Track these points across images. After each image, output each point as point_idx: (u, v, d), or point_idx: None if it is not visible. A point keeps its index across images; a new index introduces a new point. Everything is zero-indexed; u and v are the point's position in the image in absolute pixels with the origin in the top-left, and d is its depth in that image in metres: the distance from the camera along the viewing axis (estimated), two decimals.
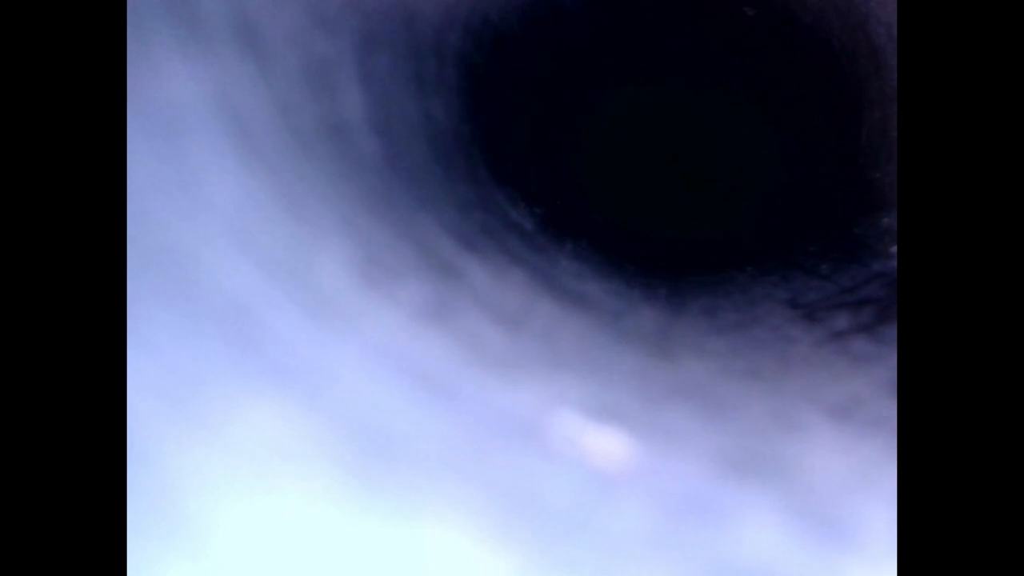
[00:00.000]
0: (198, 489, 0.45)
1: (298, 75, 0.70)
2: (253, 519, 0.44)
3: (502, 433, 0.51)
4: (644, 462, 0.56)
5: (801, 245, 1.60)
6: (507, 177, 1.40)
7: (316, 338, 0.47)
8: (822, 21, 2.01)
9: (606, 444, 0.55)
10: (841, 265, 1.37)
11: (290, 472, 0.47)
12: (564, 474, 0.50)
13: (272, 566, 0.43)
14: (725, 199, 1.97)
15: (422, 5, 1.20)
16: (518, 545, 0.41)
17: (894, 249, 1.35)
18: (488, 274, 0.84)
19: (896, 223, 1.44)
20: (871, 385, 0.82)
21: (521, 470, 0.48)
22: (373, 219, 0.66)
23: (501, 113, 1.63)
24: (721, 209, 1.93)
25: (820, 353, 0.94)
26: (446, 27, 1.30)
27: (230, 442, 0.46)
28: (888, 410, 0.75)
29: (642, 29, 2.09)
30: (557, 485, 0.49)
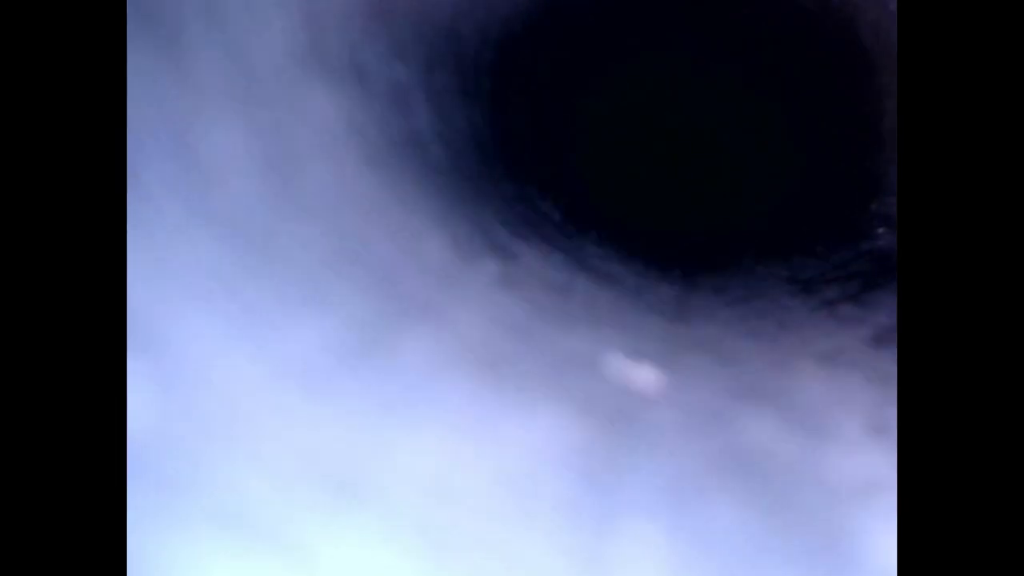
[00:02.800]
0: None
1: (385, 98, 0.88)
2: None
3: (569, 365, 0.69)
4: (672, 389, 0.74)
5: (800, 229, 1.77)
6: (535, 174, 1.57)
7: (437, 294, 0.64)
8: (825, 12, 2.14)
9: (644, 376, 0.73)
10: (834, 245, 1.54)
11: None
12: (615, 393, 0.68)
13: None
14: (732, 189, 2.14)
15: (460, 26, 1.37)
16: (590, 437, 0.59)
17: (881, 231, 1.52)
18: (535, 256, 1.02)
19: (883, 208, 1.61)
20: (853, 339, 0.99)
21: (585, 390, 0.66)
22: (456, 211, 0.84)
23: (524, 116, 1.80)
24: (728, 198, 2.10)
25: (812, 317, 1.11)
26: (481, 41, 1.47)
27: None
28: (865, 356, 0.92)
29: (649, 31, 2.26)
30: (610, 401, 0.67)
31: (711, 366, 0.84)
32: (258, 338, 0.52)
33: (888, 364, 0.93)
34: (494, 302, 0.67)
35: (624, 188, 2.09)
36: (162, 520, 0.48)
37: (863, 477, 0.59)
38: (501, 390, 0.55)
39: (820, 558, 0.48)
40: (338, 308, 0.53)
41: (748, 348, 0.96)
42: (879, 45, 2.05)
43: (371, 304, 0.56)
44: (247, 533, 0.45)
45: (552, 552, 0.42)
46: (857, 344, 0.99)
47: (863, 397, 0.82)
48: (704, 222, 1.99)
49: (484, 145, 1.33)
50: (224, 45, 0.57)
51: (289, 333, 0.51)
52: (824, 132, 2.07)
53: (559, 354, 0.68)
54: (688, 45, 2.30)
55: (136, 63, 0.59)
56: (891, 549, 0.50)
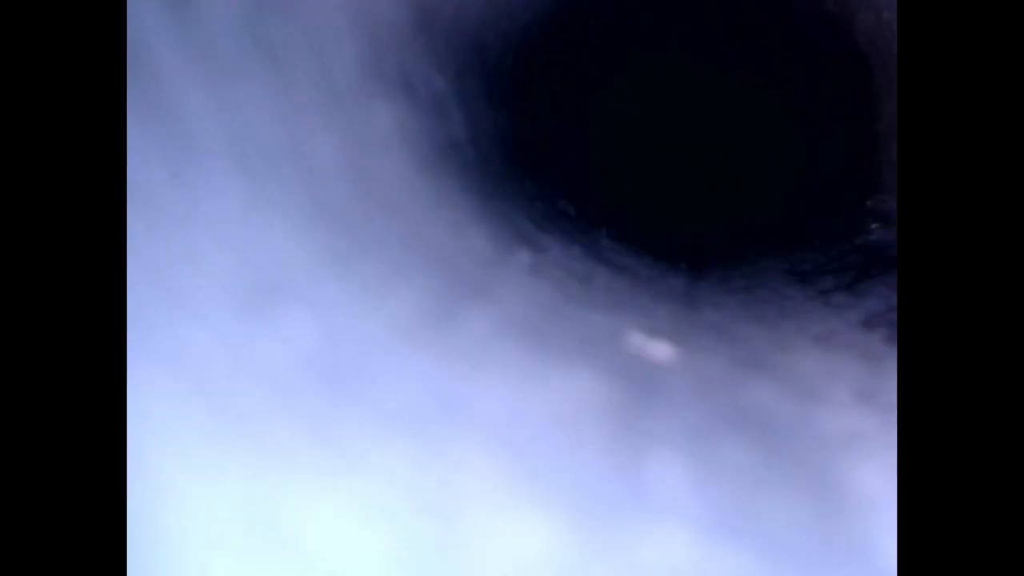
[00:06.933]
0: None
1: (428, 107, 0.99)
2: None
3: (595, 339, 0.80)
4: (684, 361, 0.85)
5: (799, 225, 1.88)
6: (551, 173, 1.68)
7: (486, 270, 0.75)
8: (823, 17, 2.24)
9: (659, 349, 0.84)
10: (831, 240, 1.65)
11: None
12: (636, 362, 0.79)
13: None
14: (735, 188, 2.25)
15: (485, 35, 1.48)
16: (619, 394, 0.70)
17: (874, 226, 1.63)
18: (558, 248, 1.13)
19: (877, 205, 1.72)
20: (844, 323, 1.10)
21: (611, 359, 0.77)
22: (490, 207, 0.95)
23: (538, 119, 1.92)
24: (731, 196, 2.21)
25: (809, 304, 1.22)
26: (503, 49, 1.58)
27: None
28: (856, 338, 1.03)
29: (652, 39, 2.37)
30: (632, 368, 0.78)
31: (718, 344, 0.95)
32: (359, 304, 0.63)
33: (876, 345, 1.04)
34: (529, 287, 0.78)
35: (631, 187, 2.20)
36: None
37: (849, 430, 0.70)
38: (545, 355, 0.66)
39: (810, 489, 0.59)
40: (413, 287, 0.64)
41: (751, 330, 1.07)
42: (874, 49, 2.15)
43: (436, 284, 0.67)
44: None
45: (594, 472, 0.53)
46: (849, 327, 1.10)
47: (852, 371, 0.93)
48: (709, 219, 2.10)
49: (506, 146, 1.44)
50: (318, 68, 0.68)
51: (384, 301, 0.61)
52: (822, 134, 2.18)
53: (587, 330, 0.79)
54: (691, 50, 2.41)
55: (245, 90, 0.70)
56: (869, 484, 0.61)
